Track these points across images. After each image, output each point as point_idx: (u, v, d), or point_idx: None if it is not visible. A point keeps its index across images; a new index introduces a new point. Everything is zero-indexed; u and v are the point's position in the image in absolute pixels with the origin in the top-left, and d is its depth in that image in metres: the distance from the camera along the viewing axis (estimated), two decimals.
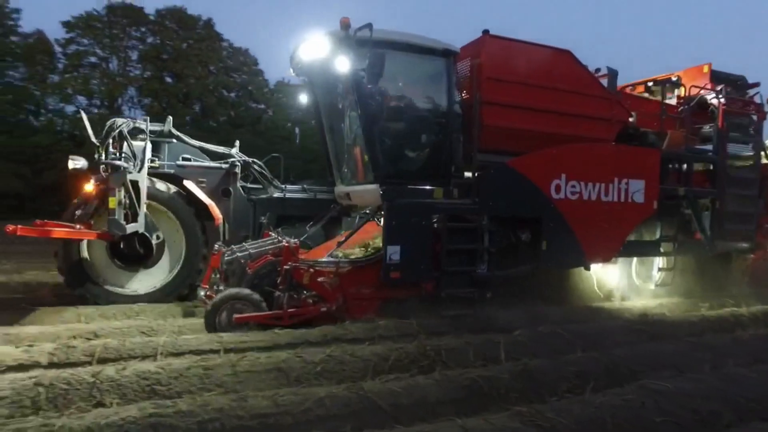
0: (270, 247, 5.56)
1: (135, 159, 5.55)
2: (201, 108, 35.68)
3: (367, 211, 6.73)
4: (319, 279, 5.29)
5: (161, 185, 5.92)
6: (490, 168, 5.87)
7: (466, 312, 5.61)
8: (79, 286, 5.61)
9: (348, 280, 5.47)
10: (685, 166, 7.33)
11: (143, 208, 5.46)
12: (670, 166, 7.30)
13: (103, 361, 3.82)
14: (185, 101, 34.94)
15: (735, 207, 7.52)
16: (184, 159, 6.33)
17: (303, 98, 6.46)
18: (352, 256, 5.74)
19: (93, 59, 32.29)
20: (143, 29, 33.57)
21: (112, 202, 4.97)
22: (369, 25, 4.95)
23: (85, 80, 31.46)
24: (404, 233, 5.42)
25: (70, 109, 31.15)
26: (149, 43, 33.91)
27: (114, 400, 3.16)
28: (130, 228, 5.21)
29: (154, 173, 5.96)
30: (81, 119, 6.38)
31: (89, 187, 5.03)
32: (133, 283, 6.00)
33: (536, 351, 4.42)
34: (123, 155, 5.48)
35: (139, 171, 5.48)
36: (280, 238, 5.75)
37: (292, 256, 5.19)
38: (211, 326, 4.89)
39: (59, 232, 4.97)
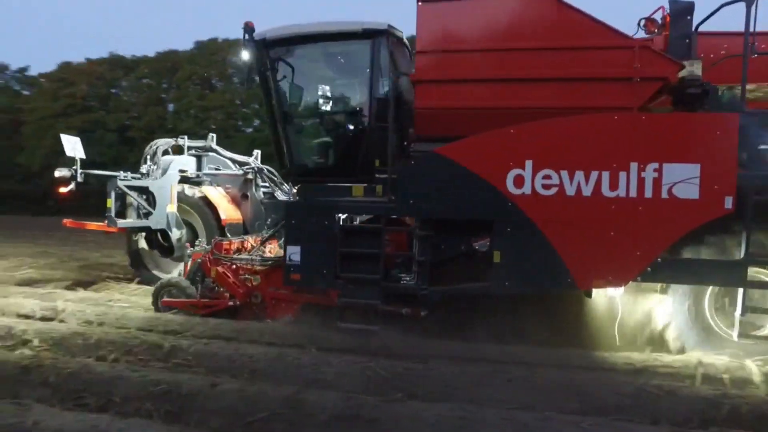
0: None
1: (157, 169, 6.72)
2: None
3: None
4: (239, 275, 5.30)
5: (189, 190, 6.94)
6: (411, 159, 4.66)
7: (368, 328, 4.62)
8: (137, 270, 7.11)
9: (266, 279, 5.26)
10: None
11: (164, 208, 6.55)
12: None
13: (401, 356, 4.03)
14: None
15: None
16: (214, 169, 7.22)
17: None
18: None
19: None
20: None
21: (108, 203, 6.19)
22: (245, 26, 4.72)
23: None
24: (303, 234, 4.84)
25: None
26: None
27: (421, 394, 3.36)
28: (126, 224, 6.34)
29: (188, 180, 7.07)
30: None
31: (63, 189, 6.41)
32: (176, 270, 7.19)
33: None
34: (152, 167, 6.73)
35: (157, 179, 6.62)
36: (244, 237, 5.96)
37: (212, 252, 5.36)
38: (155, 305, 5.51)
39: (89, 225, 6.50)
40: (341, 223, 4.87)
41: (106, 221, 6.20)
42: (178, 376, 3.42)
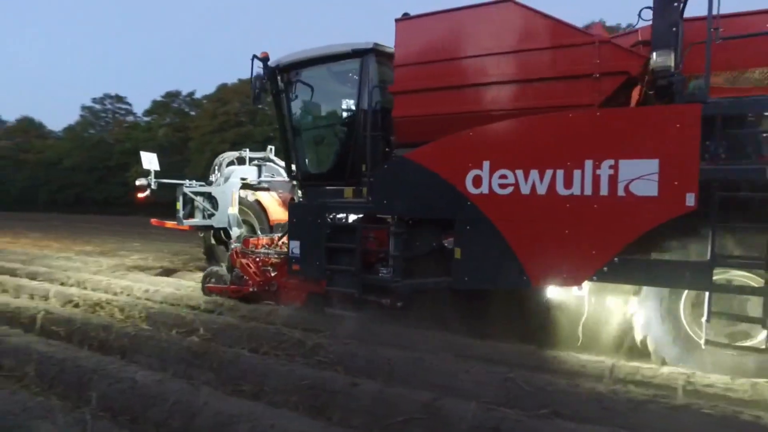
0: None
1: (221, 177, 7.94)
2: None
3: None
4: (261, 267, 6.19)
5: (250, 196, 8.07)
6: (384, 163, 5.05)
7: (348, 314, 5.12)
8: (210, 263, 8.43)
9: (280, 270, 6.05)
10: None
11: (225, 210, 7.75)
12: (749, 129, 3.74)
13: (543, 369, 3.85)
14: None
15: None
16: (270, 176, 8.23)
17: None
18: None
19: None
20: None
21: (177, 205, 7.51)
22: (257, 57, 5.56)
23: None
24: (302, 230, 5.55)
25: None
26: None
27: (568, 413, 3.05)
28: (190, 223, 7.61)
29: (251, 187, 8.21)
30: None
31: (140, 194, 7.79)
32: None
33: None
34: (218, 176, 7.99)
35: (220, 186, 7.85)
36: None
37: (241, 246, 6.32)
38: (202, 290, 6.65)
39: (168, 224, 7.92)
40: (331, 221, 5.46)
41: (176, 221, 7.65)
42: (321, 373, 3.52)
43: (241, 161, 8.57)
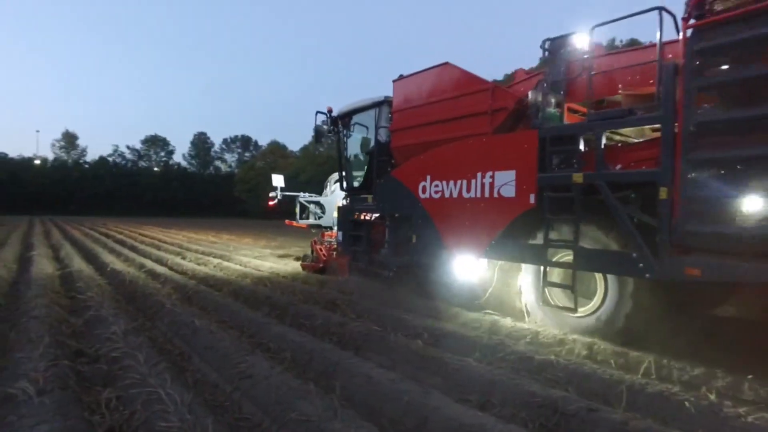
0: None
1: (330, 190, 11.12)
2: None
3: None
4: (330, 251, 9.18)
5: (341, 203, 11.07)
6: (382, 178, 7.43)
7: (355, 279, 7.68)
8: None
9: (339, 253, 8.92)
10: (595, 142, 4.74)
11: (331, 214, 10.90)
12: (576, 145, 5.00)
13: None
14: None
15: (703, 197, 3.99)
16: None
17: None
18: None
19: None
20: None
21: (296, 210, 10.90)
22: (316, 113, 8.58)
23: None
24: (343, 224, 8.32)
25: None
26: None
27: None
28: (305, 222, 10.89)
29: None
30: None
31: (270, 203, 11.24)
32: None
33: None
34: (328, 189, 11.22)
35: (327, 196, 11.03)
36: None
37: (319, 237, 9.38)
38: (302, 266, 9.97)
39: (294, 223, 11.39)
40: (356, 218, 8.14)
41: (295, 221, 11.24)
42: (551, 392, 3.31)
43: None
